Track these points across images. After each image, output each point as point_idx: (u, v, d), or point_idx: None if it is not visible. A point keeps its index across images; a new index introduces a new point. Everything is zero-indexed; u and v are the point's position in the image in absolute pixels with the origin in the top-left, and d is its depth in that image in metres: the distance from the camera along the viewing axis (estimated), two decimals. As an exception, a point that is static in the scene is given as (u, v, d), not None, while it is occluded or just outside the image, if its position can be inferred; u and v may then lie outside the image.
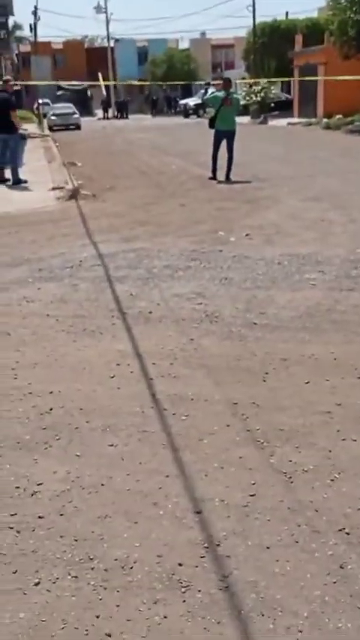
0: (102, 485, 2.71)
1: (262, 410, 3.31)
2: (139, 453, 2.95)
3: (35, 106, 36.48)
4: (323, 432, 3.08)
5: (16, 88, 19.62)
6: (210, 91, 31.09)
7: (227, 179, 11.39)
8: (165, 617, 2.05)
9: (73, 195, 10.14)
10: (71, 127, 32.40)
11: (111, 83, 41.50)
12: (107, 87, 43.60)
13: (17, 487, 2.71)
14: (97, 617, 2.05)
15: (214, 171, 11.62)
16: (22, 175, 11.88)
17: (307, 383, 3.59)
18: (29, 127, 28.34)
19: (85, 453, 2.96)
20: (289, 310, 4.73)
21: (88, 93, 50.86)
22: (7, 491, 2.68)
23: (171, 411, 3.32)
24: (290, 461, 2.85)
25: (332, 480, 2.70)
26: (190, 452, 2.95)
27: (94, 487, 2.70)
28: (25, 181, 11.73)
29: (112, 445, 3.02)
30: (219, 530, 2.42)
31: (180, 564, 2.26)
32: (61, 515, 2.53)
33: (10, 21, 34.97)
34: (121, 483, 2.73)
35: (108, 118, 43.54)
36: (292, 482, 2.71)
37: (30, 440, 3.08)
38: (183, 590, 2.15)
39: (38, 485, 2.72)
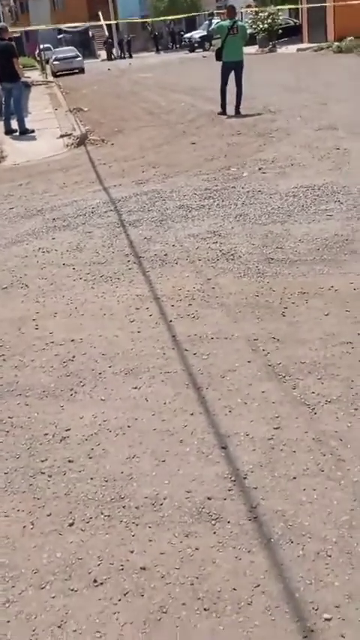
0: (128, 427, 2.76)
1: (282, 344, 3.30)
2: (162, 393, 2.98)
3: (37, 52, 35.39)
4: (345, 362, 3.06)
5: (15, 35, 19.07)
6: (215, 21, 29.86)
7: (237, 113, 11.03)
8: (197, 548, 2.11)
9: (82, 141, 9.94)
10: (75, 71, 31.49)
11: (112, 22, 39.94)
12: (109, 26, 42.02)
13: (46, 434, 2.77)
14: (131, 552, 2.12)
15: (223, 105, 11.24)
16: (28, 125, 11.65)
17: (326, 315, 3.55)
18: (32, 75, 27.67)
19: (109, 397, 3.00)
20: (306, 243, 4.65)
21: (90, 34, 49.14)
22: (37, 438, 2.74)
23: (192, 351, 3.33)
24: (313, 392, 2.86)
25: (356, 409, 2.71)
26: (213, 389, 2.97)
27: (121, 429, 2.75)
28: (32, 131, 11.51)
29: (135, 388, 3.05)
30: (245, 464, 2.45)
31: (209, 498, 2.31)
32: (90, 458, 2.59)
33: None
34: (146, 424, 2.77)
35: (113, 59, 42.19)
36: (315, 413, 2.72)
37: (55, 388, 3.13)
38: (213, 522, 2.20)
39: (66, 430, 2.77)
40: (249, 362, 3.16)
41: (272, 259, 4.44)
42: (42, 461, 2.59)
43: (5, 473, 2.54)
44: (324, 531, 2.11)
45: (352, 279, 3.97)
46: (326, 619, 1.82)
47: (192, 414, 2.80)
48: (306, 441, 2.55)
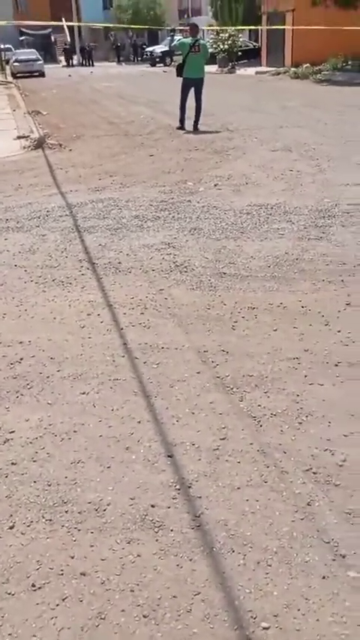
0: (74, 432, 2.74)
1: (231, 357, 3.35)
2: (110, 400, 2.97)
3: (-4, 51, 34.93)
4: (291, 377, 3.14)
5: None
6: (177, 37, 30.21)
7: (195, 129, 11.19)
8: (139, 555, 2.10)
9: (39, 144, 9.85)
10: (35, 74, 31.21)
11: (75, 24, 39.78)
12: (72, 32, 41.90)
13: (-12, 435, 2.71)
14: (72, 557, 2.10)
15: (182, 120, 11.38)
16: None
17: (275, 330, 3.63)
18: (-10, 74, 27.25)
19: (56, 401, 2.97)
20: (257, 260, 4.74)
21: (52, 38, 48.86)
22: (-21, 439, 2.68)
23: (142, 360, 3.34)
24: (259, 405, 2.91)
25: (300, 423, 2.77)
26: (161, 398, 2.98)
27: (67, 434, 2.72)
28: None
29: (83, 393, 3.03)
30: (190, 473, 2.47)
31: (153, 505, 2.31)
32: (34, 461, 2.55)
33: None
34: (93, 430, 2.75)
35: (72, 65, 42.03)
36: (261, 425, 2.77)
37: (0, 389, 3.07)
38: (156, 530, 2.21)
39: (10, 432, 2.73)
40: (198, 373, 3.19)
41: (224, 274, 4.50)
42: (-16, 463, 2.54)
43: None
44: (265, 541, 2.15)
45: (300, 296, 4.08)
46: (264, 627, 1.85)
47: (139, 422, 2.80)
48: (251, 452, 2.59)
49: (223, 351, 3.41)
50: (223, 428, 2.75)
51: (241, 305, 3.98)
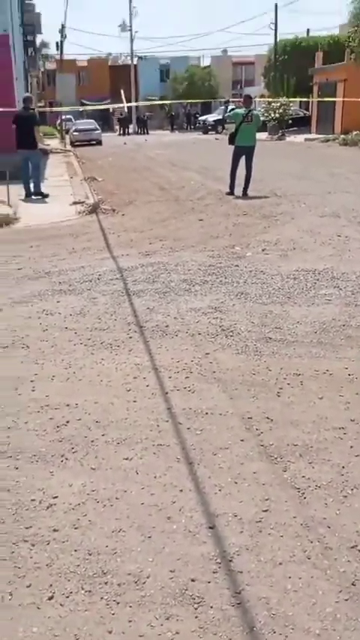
0: (117, 498, 2.74)
1: (276, 425, 3.32)
2: (153, 466, 2.97)
3: (58, 121, 37.04)
4: (337, 447, 3.07)
5: (39, 105, 20.04)
6: (230, 107, 31.33)
7: (245, 194, 11.45)
8: (177, 632, 2.06)
9: (94, 209, 10.26)
10: (93, 142, 32.82)
11: (133, 104, 41.98)
12: (129, 102, 44.14)
13: (33, 500, 2.74)
14: (110, 632, 2.07)
15: (232, 186, 11.69)
16: (44, 189, 12.10)
17: (320, 398, 3.59)
18: (52, 143, 28.82)
19: (100, 466, 2.99)
20: (304, 325, 4.74)
21: (110, 109, 51.57)
22: (24, 503, 2.72)
23: (186, 425, 3.34)
24: (304, 476, 2.85)
25: (345, 497, 2.70)
26: (204, 466, 2.96)
27: (109, 500, 2.72)
28: (47, 195, 11.94)
29: (127, 458, 3.05)
30: (232, 546, 2.42)
31: (193, 580, 2.27)
32: (76, 528, 2.55)
33: (38, 39, 35.77)
34: (135, 497, 2.75)
35: (128, 134, 44.03)
36: (305, 498, 2.71)
37: (46, 452, 3.12)
38: (195, 606, 2.16)
39: (54, 498, 2.75)
40: (242, 440, 3.16)
41: (270, 339, 4.51)
42: (26, 528, 2.56)
43: (-12, 537, 2.50)
44: (308, 622, 2.07)
45: (347, 364, 4.03)
46: None
47: (181, 490, 2.78)
48: (294, 526, 2.53)
49: (268, 418, 3.38)
50: (266, 499, 2.70)
51: (287, 371, 3.96)
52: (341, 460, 2.96)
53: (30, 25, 26.56)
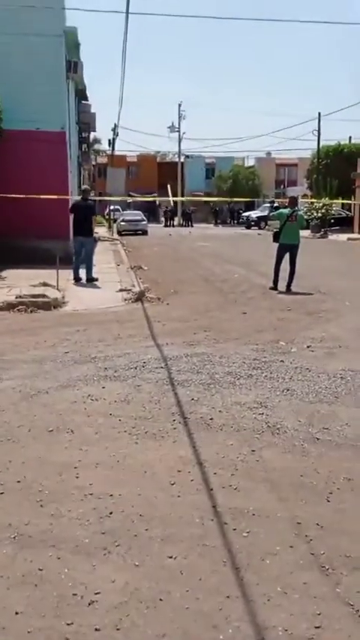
0: (160, 600, 2.63)
1: (326, 532, 3.19)
2: (198, 568, 2.87)
3: (107, 211, 38.79)
4: (393, 563, 2.91)
5: (92, 196, 21.19)
6: (275, 205, 32.38)
7: (288, 290, 11.60)
8: None
9: (139, 297, 10.51)
10: (139, 232, 34.09)
11: (179, 199, 43.93)
12: (174, 196, 46.13)
13: (75, 594, 2.65)
14: None
15: (275, 281, 11.88)
16: (93, 275, 12.59)
17: (374, 507, 3.45)
18: (100, 231, 30.03)
19: (144, 562, 2.90)
20: (353, 428, 4.63)
21: (157, 202, 53.89)
22: (65, 597, 2.63)
23: (232, 526, 3.24)
24: (358, 592, 2.70)
25: None
26: (251, 572, 2.84)
27: (153, 602, 2.61)
28: (97, 279, 12.39)
29: (171, 557, 2.95)
30: (283, 664, 2.28)
31: None
32: (118, 629, 2.45)
33: (91, 135, 38.19)
34: (179, 600, 2.63)
35: (173, 226, 45.64)
36: (360, 616, 2.55)
37: (89, 544, 3.04)
38: None
39: (96, 594, 2.66)
40: (291, 547, 3.04)
41: (318, 439, 4.41)
42: (68, 624, 2.46)
43: (29, 632, 2.41)
44: None
45: None
46: None
47: (228, 597, 2.66)
48: (349, 647, 2.37)
49: (318, 524, 3.25)
50: (318, 614, 2.56)
51: (336, 475, 3.84)
52: None
53: (85, 123, 28.48)
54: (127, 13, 10.78)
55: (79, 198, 13.70)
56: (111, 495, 3.55)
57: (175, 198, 41.91)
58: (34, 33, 14.97)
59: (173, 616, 2.53)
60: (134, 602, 2.62)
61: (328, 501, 3.52)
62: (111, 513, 3.35)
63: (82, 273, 12.59)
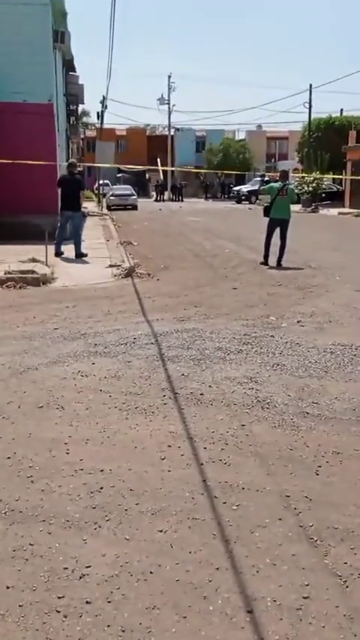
0: (151, 572, 2.66)
1: (315, 505, 3.22)
2: (188, 541, 2.89)
3: (96, 186, 38.37)
4: (380, 534, 2.96)
5: (79, 169, 20.91)
6: (266, 179, 32.19)
7: (279, 265, 11.58)
8: None
9: (129, 273, 10.45)
10: (129, 207, 33.80)
11: (169, 169, 43.47)
12: (165, 171, 45.67)
13: (65, 568, 2.67)
14: None
15: (266, 256, 11.85)
16: (82, 250, 12.45)
17: (362, 480, 3.48)
18: (89, 206, 29.71)
19: (134, 536, 2.92)
20: (342, 402, 4.67)
21: (147, 176, 53.35)
22: (56, 571, 2.65)
23: (221, 499, 3.27)
24: (345, 563, 2.74)
25: (391, 588, 2.57)
26: (241, 544, 2.87)
27: (143, 574, 2.64)
28: (86, 255, 12.28)
29: (161, 531, 2.97)
30: (271, 634, 2.32)
31: (229, 667, 2.16)
32: (109, 602, 2.47)
33: (79, 108, 37.59)
34: (170, 572, 2.66)
35: (163, 200, 45.28)
36: (347, 586, 2.59)
37: (80, 519, 3.06)
38: None
39: (87, 567, 2.68)
40: (280, 519, 3.07)
41: (307, 413, 4.44)
42: (59, 597, 2.49)
43: (20, 606, 2.43)
44: None
45: (387, 444, 3.93)
46: None
47: (218, 569, 2.69)
48: (336, 616, 2.41)
49: (307, 497, 3.29)
50: (307, 585, 2.59)
51: (325, 448, 3.88)
52: (385, 547, 2.84)
53: (73, 95, 27.96)
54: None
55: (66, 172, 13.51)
56: (101, 470, 3.57)
57: (164, 168, 41.47)
58: (19, 2, 14.61)
59: (164, 588, 2.56)
60: (125, 575, 2.64)
61: (317, 474, 3.55)
62: (101, 488, 3.37)
63: (64, 248, 12.49)
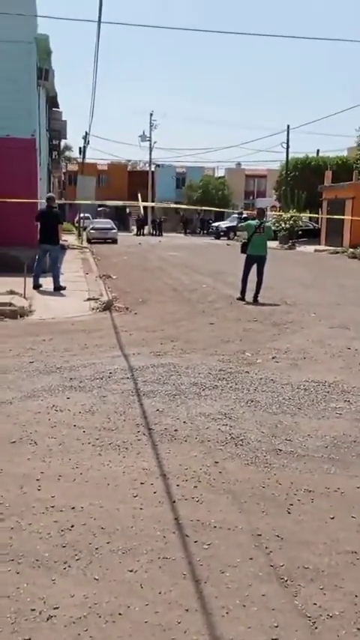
0: (119, 614, 2.63)
1: (286, 544, 3.23)
2: (159, 581, 2.87)
3: (76, 219, 38.60)
4: (350, 573, 2.97)
5: (59, 202, 21.08)
6: (243, 216, 32.74)
7: (255, 301, 11.72)
8: None
9: (107, 306, 10.48)
10: (109, 240, 33.98)
11: (149, 204, 44.00)
12: (145, 206, 46.16)
13: (33, 609, 2.63)
14: None
15: (243, 292, 11.99)
16: (61, 283, 12.48)
17: (332, 518, 3.50)
18: (69, 239, 29.85)
19: (104, 576, 2.89)
20: (314, 439, 4.70)
21: (127, 210, 53.85)
22: (23, 612, 2.61)
23: (193, 538, 3.26)
24: (315, 604, 2.74)
25: (359, 629, 2.58)
26: (211, 585, 2.86)
27: (112, 616, 2.61)
28: (64, 288, 12.30)
29: (131, 570, 2.95)
30: None
31: None
32: (76, 644, 2.44)
33: (62, 143, 38.05)
34: (139, 614, 2.64)
35: (143, 234, 45.66)
36: (316, 628, 2.59)
37: (49, 558, 3.02)
38: None
39: (54, 609, 2.64)
40: (250, 559, 3.07)
41: (280, 450, 4.47)
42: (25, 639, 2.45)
43: (-16, 649, 2.39)
44: None
45: (358, 482, 3.97)
46: None
47: (187, 610, 2.67)
48: (305, 659, 2.41)
49: (278, 536, 3.29)
50: (276, 626, 2.59)
51: (297, 486, 3.90)
52: (354, 588, 2.85)
53: (56, 130, 28.37)
54: (100, 22, 10.77)
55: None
56: (73, 508, 3.53)
57: (145, 204, 41.94)
58: (4, 39, 14.89)
59: (132, 630, 2.53)
60: (93, 616, 2.61)
61: (289, 513, 3.57)
62: (72, 526, 3.33)
63: (43, 280, 12.52)
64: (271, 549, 3.17)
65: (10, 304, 9.89)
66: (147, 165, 57.15)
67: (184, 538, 3.25)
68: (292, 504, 3.66)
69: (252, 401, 5.59)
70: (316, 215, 33.74)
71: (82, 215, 37.33)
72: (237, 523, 3.42)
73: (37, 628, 2.52)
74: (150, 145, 53.51)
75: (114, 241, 33.92)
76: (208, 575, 2.93)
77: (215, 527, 3.37)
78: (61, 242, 14.03)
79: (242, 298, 11.90)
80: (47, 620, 2.58)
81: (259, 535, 3.30)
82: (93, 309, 10.44)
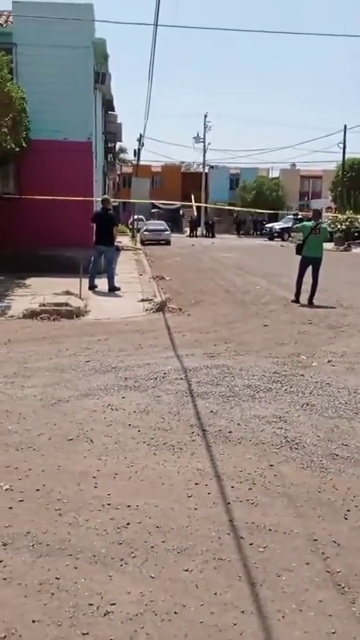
0: (175, 613, 2.65)
1: (343, 550, 3.17)
2: (214, 582, 2.87)
3: (130, 221, 39.05)
4: None
5: (114, 204, 21.38)
6: (299, 217, 32.36)
7: (310, 303, 11.55)
8: None
9: (161, 307, 10.56)
10: (162, 242, 34.21)
11: (202, 205, 44.03)
12: (198, 208, 46.23)
13: (91, 604, 2.68)
14: None
15: (297, 294, 11.84)
16: (116, 284, 12.66)
17: (392, 526, 3.42)
18: (123, 240, 30.23)
19: (159, 575, 2.92)
20: (373, 445, 4.60)
21: (181, 212, 54.04)
22: (81, 607, 2.66)
23: (248, 540, 3.24)
24: (374, 612, 2.68)
25: None
26: (267, 588, 2.84)
27: (167, 614, 2.63)
28: (119, 289, 12.47)
29: (187, 570, 2.96)
30: None
31: None
32: (133, 641, 2.47)
33: (117, 145, 38.54)
34: (194, 614, 2.64)
35: (196, 236, 45.74)
36: (375, 637, 2.53)
37: (106, 554, 3.07)
38: None
39: (112, 604, 2.68)
40: (307, 564, 3.03)
41: (337, 455, 4.39)
42: (83, 634, 2.49)
43: (44, 640, 2.45)
44: None
45: None
46: None
47: (243, 612, 2.66)
48: (364, 668, 2.36)
49: (334, 542, 3.24)
50: (333, 633, 2.55)
51: (354, 492, 3.82)
52: None
53: (111, 133, 28.75)
54: (156, 25, 10.89)
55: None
56: (128, 506, 3.58)
57: (198, 204, 42.03)
58: (63, 45, 15.24)
59: (187, 630, 2.55)
60: (149, 614, 2.63)
61: (346, 519, 3.50)
62: (128, 524, 3.38)
63: (98, 281, 12.72)
64: (328, 555, 3.12)
65: (67, 304, 10.10)
66: (201, 166, 57.18)
67: (239, 540, 3.24)
68: (349, 510, 3.60)
69: (307, 404, 5.52)
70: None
71: (135, 217, 37.74)
72: (293, 527, 3.38)
73: (94, 623, 2.57)
74: (204, 146, 53.57)
75: (167, 243, 34.12)
76: (264, 578, 2.91)
77: (270, 530, 3.35)
78: (115, 243, 14.22)
79: (297, 300, 11.76)
80: (104, 615, 2.62)
81: (315, 540, 3.26)
82: (147, 310, 10.54)
